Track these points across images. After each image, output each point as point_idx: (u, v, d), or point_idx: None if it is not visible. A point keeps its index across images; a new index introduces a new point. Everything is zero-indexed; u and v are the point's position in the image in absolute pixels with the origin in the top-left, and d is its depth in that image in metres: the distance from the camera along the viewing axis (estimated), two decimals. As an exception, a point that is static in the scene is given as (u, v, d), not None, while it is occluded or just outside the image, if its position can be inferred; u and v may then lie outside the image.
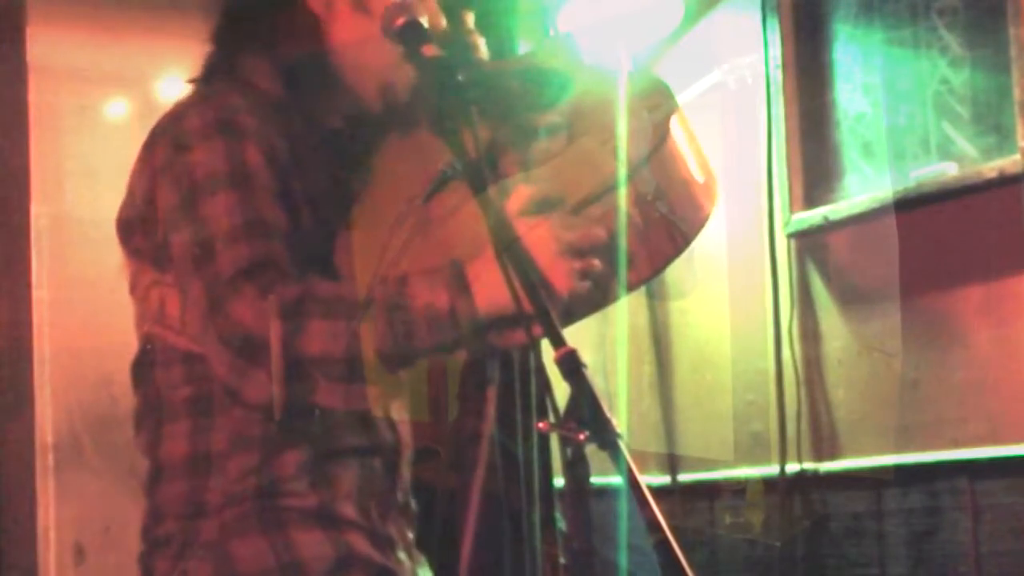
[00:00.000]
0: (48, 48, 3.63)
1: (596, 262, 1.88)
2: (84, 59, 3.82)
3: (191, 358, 1.96)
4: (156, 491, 2.01)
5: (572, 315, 1.91)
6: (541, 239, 1.85)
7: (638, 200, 1.94)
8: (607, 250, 1.89)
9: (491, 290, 1.83)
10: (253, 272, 1.85)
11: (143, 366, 2.03)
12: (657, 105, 2.05)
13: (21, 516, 3.42)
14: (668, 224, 1.96)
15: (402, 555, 2.05)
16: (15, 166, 3.52)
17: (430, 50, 1.94)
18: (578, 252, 1.86)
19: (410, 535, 2.10)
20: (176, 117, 2.01)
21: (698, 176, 2.04)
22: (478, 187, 1.79)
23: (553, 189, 1.92)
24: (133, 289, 2.05)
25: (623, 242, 1.91)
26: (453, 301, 1.84)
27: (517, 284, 1.71)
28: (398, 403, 2.10)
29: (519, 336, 1.84)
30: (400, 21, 1.97)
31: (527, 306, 1.70)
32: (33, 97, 3.56)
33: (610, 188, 1.93)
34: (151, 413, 2.02)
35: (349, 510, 1.98)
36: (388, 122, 2.10)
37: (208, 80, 2.11)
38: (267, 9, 2.09)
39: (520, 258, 1.74)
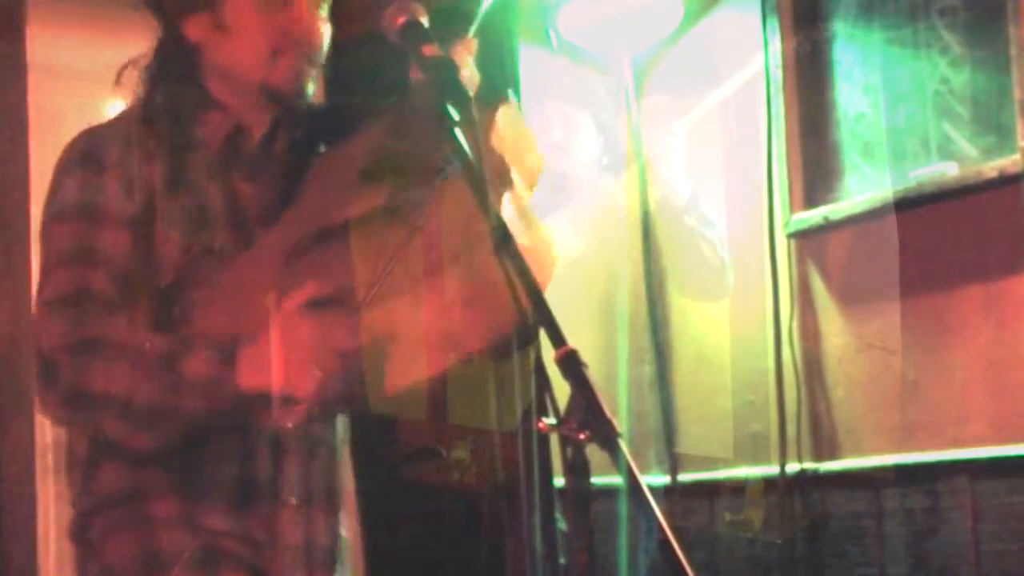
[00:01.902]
0: (48, 48, 3.62)
1: (355, 364, 2.01)
2: (84, 59, 3.82)
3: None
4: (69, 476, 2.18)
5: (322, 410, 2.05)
6: (313, 333, 1.99)
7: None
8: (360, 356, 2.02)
9: (255, 370, 1.98)
10: (70, 300, 2.03)
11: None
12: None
13: (21, 516, 3.42)
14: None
15: (284, 553, 2.17)
16: (15, 166, 3.52)
17: (430, 50, 1.94)
18: (343, 352, 2.00)
19: (299, 533, 2.19)
20: (68, 143, 2.20)
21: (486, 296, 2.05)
22: (477, 186, 1.79)
23: (338, 283, 2.00)
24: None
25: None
26: (217, 373, 1.98)
27: (518, 284, 1.72)
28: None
29: (283, 418, 1.99)
30: (400, 21, 1.98)
31: (525, 299, 1.72)
32: (33, 97, 3.55)
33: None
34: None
35: (216, 520, 2.10)
36: (291, 125, 2.23)
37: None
38: (163, 41, 2.26)
39: (517, 259, 1.75)
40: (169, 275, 2.07)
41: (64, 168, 2.14)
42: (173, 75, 2.20)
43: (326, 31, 2.22)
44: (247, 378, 1.99)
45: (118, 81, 2.25)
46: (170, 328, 2.05)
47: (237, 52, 2.17)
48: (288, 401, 1.97)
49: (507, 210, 2.03)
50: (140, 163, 2.12)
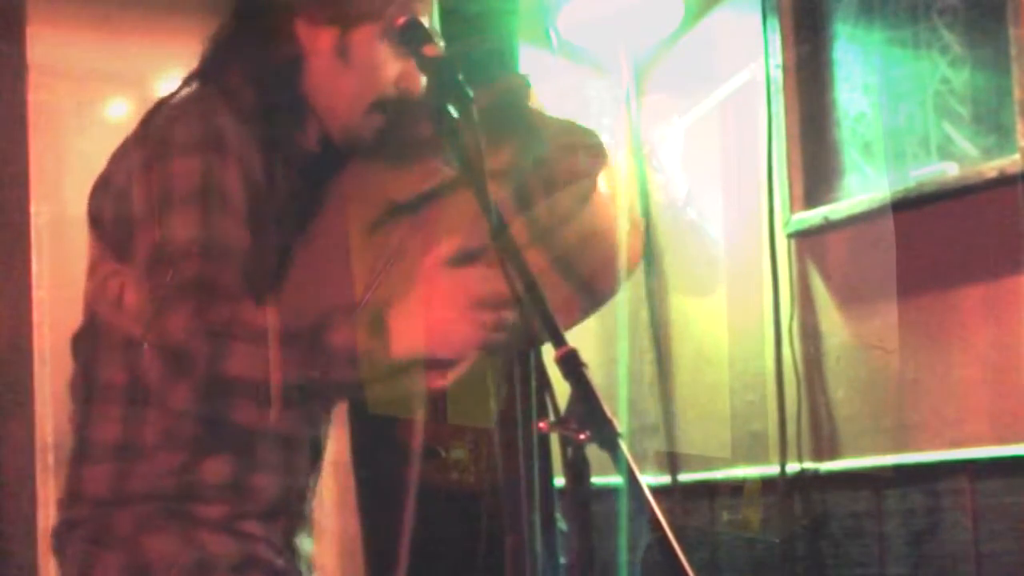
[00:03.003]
0: (48, 48, 3.62)
1: (508, 314, 1.93)
2: (84, 59, 3.82)
3: (136, 347, 2.01)
4: (79, 469, 2.08)
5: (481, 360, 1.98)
6: (455, 290, 1.92)
7: (555, 262, 1.98)
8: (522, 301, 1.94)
9: (407, 336, 1.91)
10: (197, 289, 1.93)
11: (86, 340, 2.11)
12: (589, 165, 2.08)
13: (21, 516, 3.42)
14: (571, 292, 2.00)
15: (303, 566, 2.15)
16: (15, 165, 3.51)
17: (431, 50, 1.95)
18: (491, 304, 1.92)
19: (308, 545, 2.19)
20: (166, 120, 2.05)
21: (613, 251, 2.06)
22: (477, 185, 1.80)
23: (476, 237, 1.95)
24: (92, 270, 2.13)
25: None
26: (369, 343, 1.90)
27: (515, 280, 1.73)
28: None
29: (436, 380, 1.93)
30: (400, 20, 1.98)
31: (525, 299, 1.73)
32: (33, 97, 3.55)
33: (537, 237, 1.97)
34: (85, 388, 2.09)
35: (254, 527, 2.07)
36: (351, 159, 2.17)
37: (199, 84, 2.15)
38: (257, 31, 2.14)
39: (517, 259, 1.75)
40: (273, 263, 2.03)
41: (180, 150, 2.01)
42: (271, 70, 2.12)
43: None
44: (400, 343, 1.91)
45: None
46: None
47: (343, 81, 2.11)
48: (440, 363, 1.91)
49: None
50: (252, 153, 2.04)
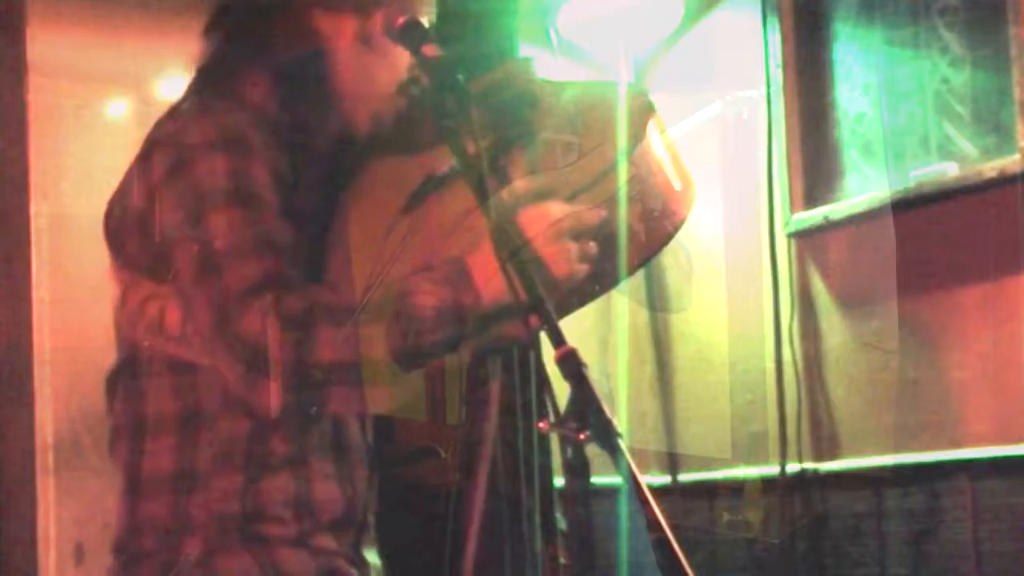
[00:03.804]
0: (48, 48, 3.62)
1: (593, 245, 1.89)
2: (84, 59, 3.82)
3: (184, 371, 1.96)
4: (135, 505, 2.00)
5: (570, 303, 1.94)
6: (538, 223, 1.87)
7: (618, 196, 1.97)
8: (601, 235, 1.91)
9: (493, 282, 1.84)
10: (260, 288, 1.86)
11: (126, 376, 2.02)
12: (637, 110, 2.07)
13: (21, 516, 3.42)
14: (648, 219, 1.99)
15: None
16: (14, 166, 3.51)
17: (431, 50, 1.95)
18: (575, 235, 1.88)
19: (373, 557, 2.13)
20: (177, 129, 2.00)
21: (675, 182, 2.06)
22: (476, 184, 1.80)
23: (546, 183, 1.94)
24: (123, 300, 2.03)
25: (622, 226, 1.93)
26: (458, 295, 1.85)
27: (516, 279, 1.72)
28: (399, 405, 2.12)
29: (524, 327, 1.83)
30: (401, 20, 1.98)
31: (526, 299, 1.72)
32: (33, 97, 3.55)
33: (598, 180, 1.96)
34: (133, 426, 2.00)
35: (328, 541, 2.01)
36: (373, 146, 2.12)
37: (206, 88, 2.10)
38: (271, 21, 2.10)
39: (521, 251, 1.75)
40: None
41: (201, 152, 1.94)
42: (292, 64, 2.07)
43: None
44: (488, 287, 1.85)
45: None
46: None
47: (369, 66, 2.08)
48: (549, 281, 1.83)
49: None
50: (274, 147, 1.99)
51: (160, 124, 2.05)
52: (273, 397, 1.86)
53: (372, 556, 2.12)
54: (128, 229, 2.01)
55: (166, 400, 1.98)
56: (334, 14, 2.08)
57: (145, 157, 2.01)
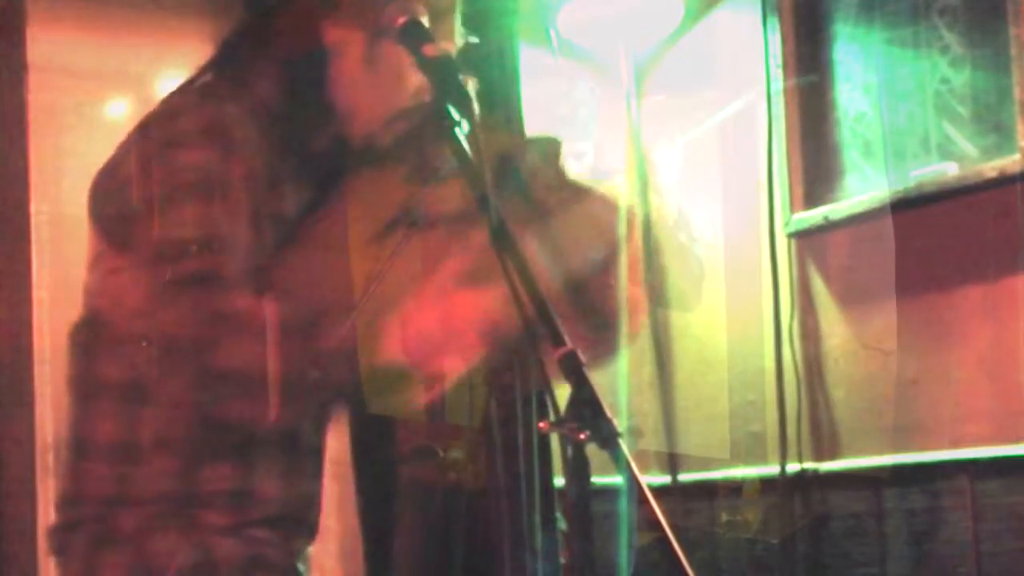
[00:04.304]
0: (48, 48, 3.62)
1: (506, 336, 1.90)
2: (84, 59, 3.82)
3: (136, 345, 1.99)
4: (78, 467, 2.05)
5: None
6: (461, 307, 1.89)
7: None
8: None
9: (411, 343, 1.88)
10: (194, 283, 1.91)
11: (85, 334, 2.07)
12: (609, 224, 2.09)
13: (21, 516, 3.42)
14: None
15: (302, 568, 2.13)
16: (15, 165, 3.51)
17: (431, 50, 1.95)
18: (492, 328, 1.90)
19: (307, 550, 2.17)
20: (173, 112, 2.04)
21: (621, 310, 2.07)
22: (476, 184, 1.80)
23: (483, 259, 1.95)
24: (93, 264, 2.10)
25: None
26: (365, 346, 1.89)
27: (517, 281, 1.73)
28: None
29: (430, 389, 1.93)
30: (401, 20, 1.98)
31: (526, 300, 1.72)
32: (33, 97, 3.55)
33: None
34: (83, 384, 2.06)
35: (264, 533, 2.04)
36: (362, 163, 2.15)
37: (218, 68, 2.13)
38: (283, 27, 2.12)
39: (519, 259, 1.75)
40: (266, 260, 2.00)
41: (184, 143, 1.98)
42: (293, 67, 2.09)
43: None
44: (393, 349, 1.88)
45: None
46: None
47: (369, 88, 2.09)
48: (432, 376, 1.90)
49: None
50: (258, 147, 2.01)
51: (169, 98, 2.09)
52: (176, 390, 1.92)
53: (307, 549, 2.16)
54: (108, 197, 2.07)
55: (115, 368, 2.02)
56: (344, 29, 2.09)
57: (140, 131, 2.06)
